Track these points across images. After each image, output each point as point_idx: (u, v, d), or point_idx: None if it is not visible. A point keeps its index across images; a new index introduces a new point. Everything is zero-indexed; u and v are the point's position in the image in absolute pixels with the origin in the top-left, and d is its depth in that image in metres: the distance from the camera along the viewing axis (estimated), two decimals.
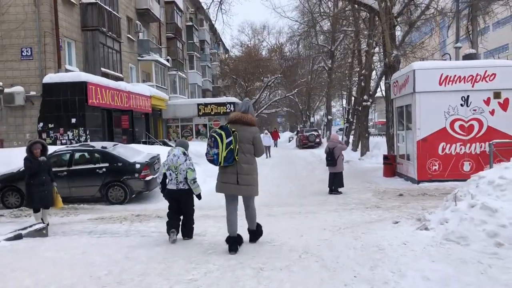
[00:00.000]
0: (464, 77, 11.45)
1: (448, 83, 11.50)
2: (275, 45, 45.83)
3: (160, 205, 9.73)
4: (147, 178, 10.90)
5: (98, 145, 11.60)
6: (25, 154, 7.68)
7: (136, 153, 11.93)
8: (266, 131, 31.24)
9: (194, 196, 6.11)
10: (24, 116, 16.81)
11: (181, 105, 28.55)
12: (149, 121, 25.14)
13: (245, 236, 5.52)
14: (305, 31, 22.84)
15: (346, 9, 19.55)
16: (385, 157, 14.30)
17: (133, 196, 11.01)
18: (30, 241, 6.46)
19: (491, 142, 10.58)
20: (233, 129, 5.15)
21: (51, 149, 9.86)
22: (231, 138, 5.07)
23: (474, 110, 11.50)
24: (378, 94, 22.93)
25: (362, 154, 20.04)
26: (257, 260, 4.72)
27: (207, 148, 5.18)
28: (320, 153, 22.89)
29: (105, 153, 11.09)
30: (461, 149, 11.57)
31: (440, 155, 11.62)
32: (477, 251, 4.53)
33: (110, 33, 20.89)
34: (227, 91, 51.81)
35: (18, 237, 6.57)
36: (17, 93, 16.39)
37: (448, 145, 11.60)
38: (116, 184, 10.86)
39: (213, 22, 31.22)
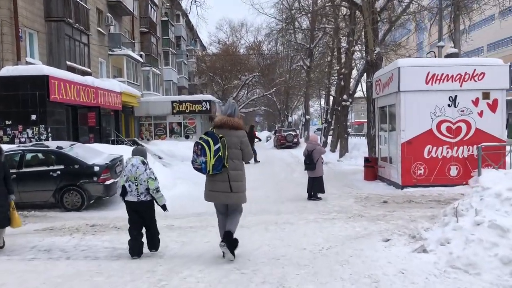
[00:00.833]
0: (452, 75, 10.73)
1: (435, 82, 10.76)
2: (253, 43, 44.95)
3: (120, 212, 8.64)
4: (107, 182, 9.76)
5: (53, 144, 10.39)
6: None
7: (96, 154, 10.76)
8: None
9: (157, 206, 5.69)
10: None
11: (154, 102, 27.21)
12: (119, 119, 23.78)
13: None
14: (283, 28, 22.04)
15: (327, 4, 18.68)
16: (366, 160, 13.52)
17: (91, 202, 9.86)
18: None
19: (479, 145, 9.99)
20: (221, 135, 4.92)
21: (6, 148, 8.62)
22: (219, 145, 4.86)
23: (462, 111, 10.81)
24: (357, 94, 22.30)
25: (341, 155, 19.30)
26: None
27: (193, 156, 4.98)
28: (298, 153, 22.06)
29: (60, 154, 9.90)
30: (447, 152, 10.87)
31: (425, 159, 10.89)
32: (491, 283, 3.70)
33: (77, 25, 19.61)
34: (204, 89, 50.77)
35: None
36: None
37: (434, 148, 10.89)
38: (72, 189, 9.69)
39: (187, 14, 29.98)
